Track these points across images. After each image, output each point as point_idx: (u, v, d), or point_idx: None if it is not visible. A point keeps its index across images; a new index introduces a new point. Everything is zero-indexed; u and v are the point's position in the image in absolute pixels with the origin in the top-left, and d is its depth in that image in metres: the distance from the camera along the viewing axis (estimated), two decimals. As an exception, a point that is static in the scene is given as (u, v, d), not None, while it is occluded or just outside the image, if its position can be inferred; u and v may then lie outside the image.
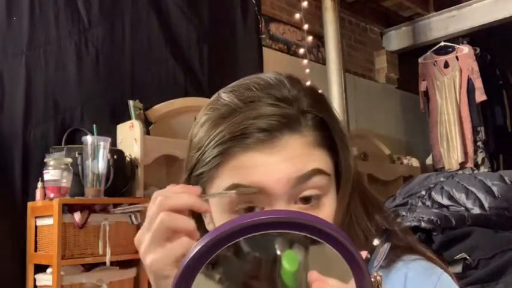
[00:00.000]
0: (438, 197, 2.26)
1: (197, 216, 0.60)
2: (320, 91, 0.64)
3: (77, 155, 2.21)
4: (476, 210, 2.11)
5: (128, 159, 2.41)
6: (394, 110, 4.87)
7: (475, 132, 4.20)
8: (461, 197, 2.20)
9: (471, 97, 4.18)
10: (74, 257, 2.07)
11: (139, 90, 2.78)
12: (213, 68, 3.16)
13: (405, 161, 4.50)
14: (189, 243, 0.47)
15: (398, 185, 3.36)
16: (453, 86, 4.25)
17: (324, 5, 3.65)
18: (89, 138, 2.20)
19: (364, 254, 0.42)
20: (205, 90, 3.03)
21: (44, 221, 2.14)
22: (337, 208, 0.58)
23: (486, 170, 4.07)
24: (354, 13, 4.54)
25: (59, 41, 2.51)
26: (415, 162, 4.52)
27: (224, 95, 0.59)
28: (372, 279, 0.40)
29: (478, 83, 4.15)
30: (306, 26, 3.63)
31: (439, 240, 1.83)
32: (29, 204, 2.24)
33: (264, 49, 3.55)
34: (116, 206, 2.26)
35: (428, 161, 4.52)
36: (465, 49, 4.27)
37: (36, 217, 2.21)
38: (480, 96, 4.13)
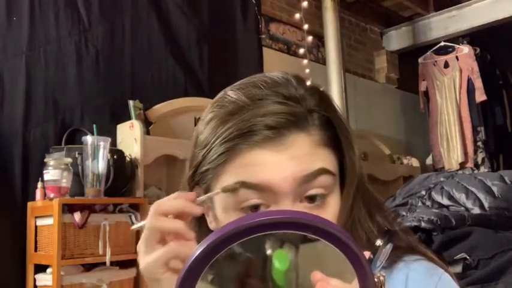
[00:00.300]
0: (438, 197, 2.26)
1: (199, 217, 0.60)
2: (323, 90, 0.64)
3: (77, 155, 2.21)
4: (476, 210, 2.11)
5: (128, 159, 2.41)
6: (394, 110, 4.87)
7: (475, 132, 4.20)
8: (461, 197, 2.20)
9: (471, 97, 4.18)
10: (74, 257, 2.07)
11: (139, 90, 2.78)
12: (213, 68, 3.16)
13: (405, 161, 4.50)
14: (178, 246, 0.49)
15: (398, 185, 3.36)
16: (453, 86, 4.25)
17: (324, 5, 3.65)
18: (89, 138, 2.20)
19: (367, 254, 0.42)
20: (205, 90, 3.03)
21: (44, 221, 2.14)
22: (341, 208, 0.58)
23: (486, 170, 4.07)
24: (354, 13, 4.54)
25: (59, 41, 2.51)
26: (415, 162, 4.52)
27: (231, 93, 0.59)
28: (375, 280, 0.40)
29: (478, 83, 4.15)
30: (306, 26, 3.63)
31: (439, 240, 1.83)
32: (29, 204, 2.24)
33: (264, 49, 3.55)
34: (116, 206, 2.26)
35: (428, 161, 4.52)
36: (465, 49, 4.27)
37: (36, 217, 2.21)
38: (480, 96, 4.13)
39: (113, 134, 2.54)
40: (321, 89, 0.62)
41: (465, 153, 4.14)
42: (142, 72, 2.83)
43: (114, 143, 2.51)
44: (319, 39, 3.90)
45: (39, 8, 2.45)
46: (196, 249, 0.39)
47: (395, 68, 4.85)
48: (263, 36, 3.58)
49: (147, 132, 2.57)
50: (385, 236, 0.45)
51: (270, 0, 3.75)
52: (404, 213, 2.10)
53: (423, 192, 2.33)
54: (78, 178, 2.19)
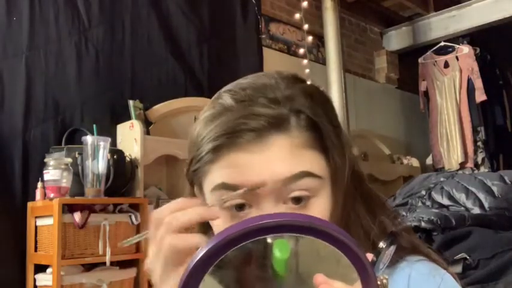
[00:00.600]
0: (438, 197, 2.26)
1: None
2: (322, 89, 0.63)
3: (77, 155, 2.21)
4: (476, 210, 2.11)
5: (128, 159, 2.41)
6: (394, 110, 4.87)
7: (475, 132, 4.20)
8: (461, 197, 2.20)
9: (471, 97, 4.18)
10: (74, 257, 2.07)
11: (139, 90, 2.78)
12: (213, 68, 3.16)
13: (405, 161, 4.50)
14: None
15: (398, 185, 3.36)
16: (453, 86, 4.25)
17: (324, 5, 3.65)
18: (89, 138, 2.20)
19: (370, 256, 0.42)
20: (205, 90, 3.03)
21: (44, 221, 2.14)
22: (332, 210, 0.58)
23: (486, 170, 4.07)
24: (354, 13, 4.54)
25: (59, 41, 2.51)
26: (415, 162, 4.52)
27: (222, 94, 0.60)
28: (378, 282, 0.40)
29: (478, 83, 4.15)
30: (306, 26, 3.63)
31: (439, 240, 1.84)
32: (29, 204, 2.24)
33: (264, 49, 3.55)
34: (116, 206, 2.26)
35: (428, 161, 4.52)
36: (465, 49, 4.27)
37: (36, 217, 2.21)
38: (480, 96, 4.13)
39: (113, 134, 2.54)
40: (318, 90, 0.61)
41: (465, 153, 4.14)
42: (142, 72, 2.82)
43: (114, 143, 2.51)
44: (319, 39, 3.90)
45: (39, 8, 2.45)
46: (200, 251, 0.39)
47: (395, 68, 4.85)
48: (263, 36, 3.58)
49: (147, 132, 2.57)
50: (388, 238, 0.45)
51: (270, 0, 3.75)
52: (404, 213, 2.10)
53: (423, 192, 2.33)
54: (78, 178, 2.19)
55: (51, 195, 2.11)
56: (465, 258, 1.74)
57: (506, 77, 4.74)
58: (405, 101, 4.94)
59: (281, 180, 0.53)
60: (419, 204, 2.27)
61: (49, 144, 2.36)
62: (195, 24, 3.13)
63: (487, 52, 4.41)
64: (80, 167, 2.20)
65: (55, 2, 2.51)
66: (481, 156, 4.20)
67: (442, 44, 4.38)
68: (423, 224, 1.88)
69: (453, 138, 4.17)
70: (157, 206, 2.60)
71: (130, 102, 2.60)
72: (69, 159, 2.18)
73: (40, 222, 2.18)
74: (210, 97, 0.63)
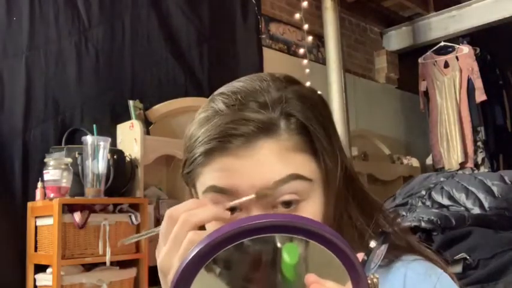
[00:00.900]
0: (438, 197, 2.26)
1: None
2: (316, 91, 0.63)
3: (77, 155, 2.21)
4: (476, 210, 2.11)
5: (128, 159, 2.41)
6: (394, 110, 4.87)
7: (475, 132, 4.20)
8: (461, 197, 2.20)
9: (471, 97, 4.18)
10: (74, 257, 2.07)
11: (139, 90, 2.78)
12: (213, 68, 3.16)
13: (405, 161, 4.50)
14: None
15: (398, 185, 3.36)
16: (453, 86, 4.25)
17: (324, 5, 3.65)
18: (89, 138, 2.20)
19: (360, 256, 0.42)
20: (205, 90, 3.03)
21: (44, 221, 2.14)
22: (324, 213, 0.58)
23: (486, 170, 4.07)
24: (354, 13, 4.54)
25: (59, 41, 2.51)
26: (415, 162, 4.52)
27: (215, 97, 0.60)
28: (369, 281, 0.40)
29: (478, 83, 4.15)
30: (306, 26, 3.63)
31: (439, 240, 1.84)
32: (29, 204, 2.24)
33: (264, 49, 3.55)
34: (116, 206, 2.26)
35: (428, 161, 4.52)
36: (465, 49, 4.27)
37: (36, 217, 2.21)
38: (480, 96, 4.13)
39: (113, 134, 2.54)
40: (310, 91, 0.61)
41: (465, 153, 4.14)
42: (142, 72, 2.83)
43: (114, 143, 2.51)
44: (319, 39, 3.90)
45: (39, 8, 2.45)
46: (192, 250, 0.39)
47: (395, 68, 4.85)
48: (263, 36, 3.58)
49: (147, 132, 2.57)
50: (379, 237, 0.45)
51: (270, 0, 3.75)
52: (404, 213, 2.10)
53: (423, 192, 2.33)
54: (78, 178, 2.19)
55: (51, 195, 2.11)
56: (465, 258, 1.74)
57: (506, 77, 4.74)
58: (405, 101, 4.94)
59: (269, 183, 0.54)
60: (419, 204, 2.27)
61: (49, 144, 2.36)
62: (195, 24, 3.13)
63: (487, 52, 4.41)
64: (80, 167, 2.20)
65: (55, 2, 2.51)
66: (481, 156, 4.20)
67: (442, 44, 4.38)
68: (423, 224, 1.88)
69: (453, 138, 4.17)
70: (157, 206, 2.60)
71: (130, 102, 2.60)
72: (69, 159, 2.18)
73: (40, 222, 2.18)
74: (209, 97, 0.64)
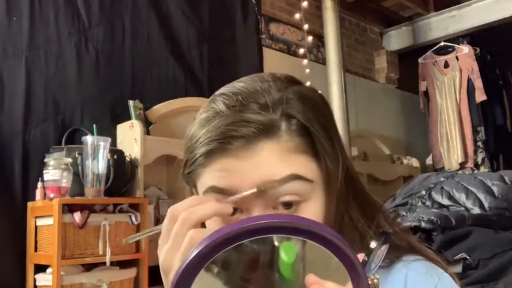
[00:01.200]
0: (438, 197, 2.26)
1: None
2: (318, 91, 0.63)
3: (77, 155, 2.21)
4: (476, 210, 2.11)
5: (128, 159, 2.41)
6: (394, 110, 4.87)
7: (475, 132, 4.20)
8: (461, 197, 2.20)
9: (471, 97, 4.19)
10: (74, 257, 2.07)
11: (139, 90, 2.78)
12: (213, 68, 3.16)
13: (405, 161, 4.50)
14: None
15: (398, 185, 3.36)
16: (453, 86, 4.25)
17: (324, 5, 3.65)
18: (89, 138, 2.20)
19: (361, 256, 0.42)
20: (205, 90, 3.03)
21: (44, 221, 2.14)
22: (325, 214, 0.58)
23: (486, 170, 4.07)
24: (354, 13, 4.54)
25: (59, 41, 2.51)
26: (415, 162, 4.52)
27: (216, 97, 0.60)
28: (369, 282, 0.40)
29: (478, 83, 4.15)
30: (306, 26, 3.63)
31: (439, 240, 1.84)
32: (29, 204, 2.24)
33: (264, 49, 3.55)
34: (116, 206, 2.26)
35: (428, 161, 4.52)
36: (465, 49, 4.27)
37: (36, 217, 2.21)
38: (480, 96, 4.13)
39: (113, 134, 2.53)
40: (312, 92, 0.61)
41: (465, 153, 4.14)
42: (142, 72, 2.82)
43: (114, 143, 2.51)
44: (319, 39, 3.90)
45: (39, 8, 2.45)
46: (192, 251, 0.39)
47: (395, 68, 4.85)
48: (263, 36, 3.58)
49: (147, 132, 2.57)
50: (380, 238, 0.45)
51: (270, 0, 3.75)
52: (404, 213, 2.10)
53: (423, 192, 2.33)
54: (78, 178, 2.19)
55: (51, 195, 2.11)
56: (465, 258, 1.74)
57: (506, 77, 4.74)
58: (405, 101, 4.94)
59: (269, 184, 0.54)
60: (419, 204, 2.27)
61: (49, 144, 2.36)
62: (195, 24, 3.13)
63: (487, 52, 4.41)
64: (80, 167, 2.20)
65: (55, 2, 2.51)
66: (481, 156, 4.20)
67: (442, 44, 4.38)
68: (423, 224, 1.88)
69: (453, 138, 4.17)
70: (157, 206, 2.60)
71: (131, 102, 2.60)
72: (69, 159, 2.18)
73: (40, 222, 2.18)
74: (210, 97, 0.63)
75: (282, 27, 3.82)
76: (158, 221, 2.51)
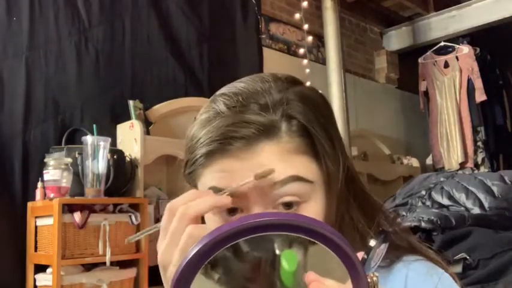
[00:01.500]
0: (438, 197, 2.26)
1: None
2: (319, 91, 0.63)
3: (77, 155, 2.21)
4: (476, 210, 2.11)
5: (128, 159, 2.41)
6: (394, 110, 4.87)
7: (475, 132, 4.20)
8: (461, 197, 2.20)
9: (471, 97, 4.19)
10: (74, 257, 2.07)
11: (139, 90, 2.78)
12: (213, 68, 3.16)
13: (405, 161, 4.50)
14: None
15: (398, 185, 3.36)
16: (453, 86, 4.25)
17: (324, 5, 3.65)
18: (89, 138, 2.20)
19: (360, 255, 0.42)
20: (205, 90, 3.03)
21: (44, 221, 2.14)
22: (325, 214, 0.58)
23: (486, 170, 4.07)
24: (354, 13, 4.54)
25: (59, 41, 2.51)
26: (415, 162, 4.52)
27: (217, 97, 0.60)
28: (369, 280, 0.40)
29: (478, 83, 4.15)
30: (306, 26, 3.63)
31: (439, 240, 1.84)
32: (29, 204, 2.24)
33: (264, 49, 3.55)
34: (116, 206, 2.26)
35: (428, 161, 4.52)
36: (465, 49, 4.27)
37: (36, 217, 2.21)
38: (480, 96, 4.13)
39: (113, 134, 2.53)
40: (313, 93, 0.61)
41: (465, 153, 4.14)
42: (142, 72, 2.82)
43: (114, 143, 2.51)
44: (319, 39, 3.90)
45: (39, 8, 2.45)
46: (191, 249, 0.39)
47: (395, 68, 4.85)
48: (263, 36, 3.58)
49: (147, 132, 2.57)
50: (379, 236, 0.45)
51: (270, 0, 3.75)
52: (404, 213, 2.10)
53: (423, 192, 2.33)
54: (78, 178, 2.19)
55: (51, 195, 2.11)
56: (465, 258, 1.74)
57: (506, 77, 4.74)
58: (405, 101, 4.94)
59: (269, 185, 0.54)
60: (419, 204, 2.27)
61: (49, 144, 2.36)
62: (195, 24, 3.13)
63: (487, 52, 4.41)
64: (80, 167, 2.20)
65: (55, 2, 2.51)
66: (481, 156, 4.20)
67: (442, 44, 4.38)
68: (423, 224, 1.88)
69: (453, 138, 4.17)
70: (157, 206, 2.60)
71: (131, 102, 2.60)
72: (69, 159, 2.18)
73: (40, 222, 2.18)
74: (210, 97, 0.63)
75: (282, 27, 3.82)
76: (158, 221, 2.50)
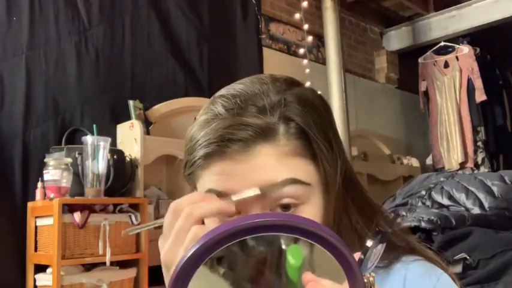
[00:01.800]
0: (438, 197, 2.26)
1: None
2: (318, 92, 0.63)
3: (77, 155, 2.21)
4: (476, 210, 2.11)
5: (128, 159, 2.41)
6: (394, 110, 4.87)
7: (475, 132, 4.21)
8: (461, 197, 2.20)
9: (471, 97, 4.19)
10: (74, 257, 2.07)
11: (139, 90, 2.78)
12: (213, 68, 3.16)
13: (405, 161, 4.50)
14: None
15: (398, 185, 3.36)
16: (453, 86, 4.25)
17: (324, 5, 3.65)
18: (89, 138, 2.20)
19: (357, 255, 0.42)
20: (205, 90, 3.03)
21: (44, 221, 2.14)
22: (323, 216, 0.58)
23: (486, 170, 4.07)
24: (354, 13, 4.54)
25: (59, 41, 2.51)
26: (415, 162, 4.52)
27: (215, 99, 0.60)
28: (365, 280, 0.40)
29: (478, 83, 4.15)
30: (306, 26, 3.63)
31: (439, 240, 1.84)
32: (29, 204, 2.24)
33: (264, 49, 3.55)
34: (116, 206, 2.26)
35: (428, 161, 4.52)
36: (465, 49, 4.27)
37: (36, 217, 2.21)
38: (480, 96, 4.13)
39: (113, 134, 2.54)
40: (311, 94, 0.61)
41: (465, 153, 4.14)
42: (142, 72, 2.83)
43: (114, 143, 2.51)
44: (319, 39, 3.90)
45: (39, 8, 2.45)
46: (190, 249, 0.39)
47: (395, 68, 4.85)
48: (263, 36, 3.58)
49: (147, 132, 2.57)
50: (376, 236, 0.45)
51: (270, 0, 3.75)
52: (404, 213, 2.10)
53: (423, 192, 2.33)
54: (78, 178, 2.19)
55: (51, 195, 2.11)
56: (465, 258, 1.74)
57: (506, 77, 4.74)
58: (405, 101, 4.94)
59: (266, 187, 0.54)
60: (419, 204, 2.27)
61: (49, 144, 2.36)
62: (195, 24, 3.13)
63: (487, 52, 4.41)
64: (80, 167, 2.20)
65: (55, 2, 2.51)
66: (481, 156, 4.20)
67: (442, 44, 4.38)
68: (423, 224, 1.88)
69: (453, 138, 4.18)
70: (157, 206, 2.60)
71: (131, 102, 2.60)
72: (69, 159, 2.18)
73: (40, 222, 2.18)
74: (210, 97, 0.64)
75: (282, 27, 3.82)
76: (158, 221, 2.51)
